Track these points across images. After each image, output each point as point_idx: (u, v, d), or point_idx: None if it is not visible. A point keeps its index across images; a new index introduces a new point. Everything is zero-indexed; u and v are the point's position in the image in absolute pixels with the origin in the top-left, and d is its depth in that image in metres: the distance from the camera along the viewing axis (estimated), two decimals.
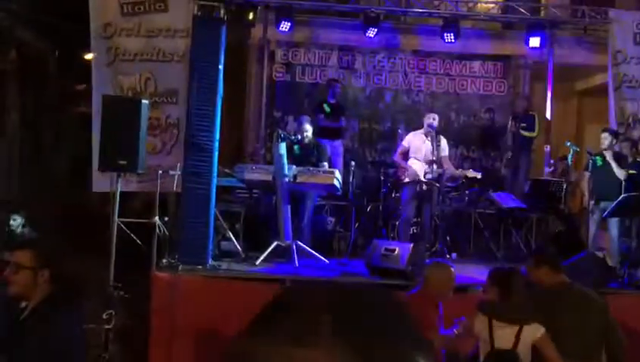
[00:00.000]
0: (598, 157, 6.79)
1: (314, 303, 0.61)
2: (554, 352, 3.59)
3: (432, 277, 3.99)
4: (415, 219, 6.98)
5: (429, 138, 6.71)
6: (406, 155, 6.90)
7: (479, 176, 6.88)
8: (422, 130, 6.90)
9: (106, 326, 5.14)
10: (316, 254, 6.32)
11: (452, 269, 4.09)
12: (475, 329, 3.72)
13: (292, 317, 0.60)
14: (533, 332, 3.58)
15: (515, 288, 3.69)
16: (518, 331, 3.59)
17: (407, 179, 6.81)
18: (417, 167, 6.73)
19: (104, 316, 5.13)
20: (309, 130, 6.76)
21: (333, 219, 7.67)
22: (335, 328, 0.58)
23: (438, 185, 6.69)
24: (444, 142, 6.85)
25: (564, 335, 3.62)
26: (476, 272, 6.38)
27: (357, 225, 7.52)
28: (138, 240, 5.94)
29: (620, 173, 6.59)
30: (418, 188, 6.70)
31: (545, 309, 3.69)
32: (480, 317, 3.68)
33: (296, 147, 6.69)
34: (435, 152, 6.63)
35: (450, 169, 6.89)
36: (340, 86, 8.58)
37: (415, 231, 7.02)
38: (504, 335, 3.62)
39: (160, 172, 6.00)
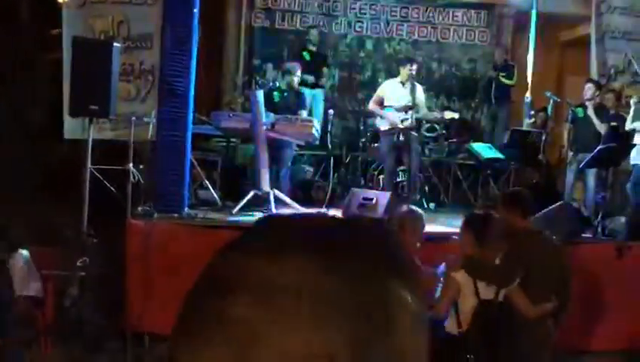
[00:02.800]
0: (579, 109, 6.77)
1: (288, 225, 0.61)
2: (524, 301, 3.65)
3: (407, 225, 3.96)
4: (398, 169, 6.96)
5: (406, 86, 6.64)
6: (381, 104, 6.82)
7: (456, 116, 6.91)
8: (398, 78, 6.82)
9: (81, 273, 5.09)
10: (294, 203, 6.29)
11: (423, 218, 4.07)
12: (456, 284, 3.71)
13: (256, 235, 0.60)
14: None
15: (490, 234, 3.70)
16: (498, 289, 3.66)
17: (384, 127, 6.75)
18: (390, 116, 6.66)
19: (78, 263, 5.07)
20: (298, 77, 6.64)
21: (311, 169, 7.63)
22: (295, 243, 0.57)
23: (415, 134, 6.66)
24: (420, 89, 6.79)
25: (530, 281, 3.68)
26: (454, 222, 6.42)
27: (335, 175, 7.48)
28: (112, 188, 5.85)
29: (601, 127, 6.59)
30: (395, 138, 6.65)
31: (510, 254, 3.74)
32: (463, 274, 3.68)
33: (275, 94, 6.57)
34: (411, 99, 6.58)
35: (427, 114, 6.88)
36: (318, 32, 8.38)
37: (396, 180, 7.01)
38: (487, 288, 3.67)
39: (134, 119, 5.86)
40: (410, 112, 6.57)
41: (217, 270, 0.58)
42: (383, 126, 6.77)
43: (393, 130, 6.64)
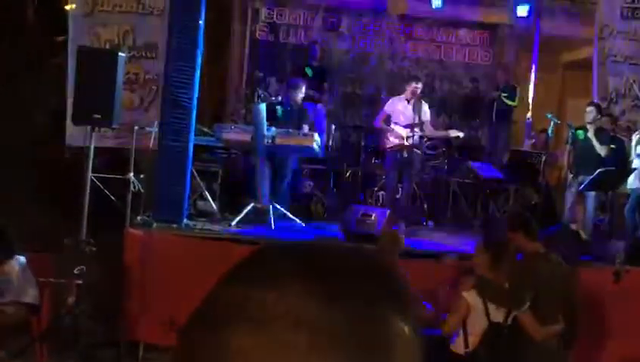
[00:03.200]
0: (579, 131, 6.79)
1: (288, 253, 0.60)
2: (533, 323, 3.64)
3: (383, 243, 4.04)
4: (398, 186, 6.99)
5: (411, 104, 6.67)
6: (388, 121, 6.85)
7: (461, 135, 6.95)
8: (404, 96, 6.86)
9: (77, 281, 5.09)
10: (293, 217, 6.30)
11: (401, 237, 4.11)
12: (466, 303, 3.73)
13: (255, 264, 0.59)
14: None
15: (506, 258, 3.72)
16: (509, 311, 3.66)
17: (390, 145, 6.77)
18: (400, 131, 6.70)
19: (75, 271, 5.07)
20: (303, 94, 6.68)
21: (311, 183, 7.64)
22: (296, 271, 0.56)
23: (419, 151, 6.69)
24: (425, 106, 6.83)
25: (538, 303, 3.67)
26: (452, 241, 6.43)
27: (335, 189, 7.49)
28: (112, 197, 5.87)
29: (601, 150, 6.60)
30: (399, 156, 6.68)
31: (527, 279, 3.73)
32: (473, 291, 3.70)
33: (278, 109, 6.60)
34: (417, 117, 6.61)
35: (432, 132, 6.91)
36: (319, 49, 8.42)
37: (396, 197, 7.03)
38: (497, 311, 3.68)
39: (136, 128, 5.88)
40: (415, 130, 6.59)
41: (217, 300, 0.58)
42: (389, 143, 6.79)
43: (399, 147, 6.67)
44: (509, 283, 3.72)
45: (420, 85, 6.82)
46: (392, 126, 6.78)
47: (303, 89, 6.66)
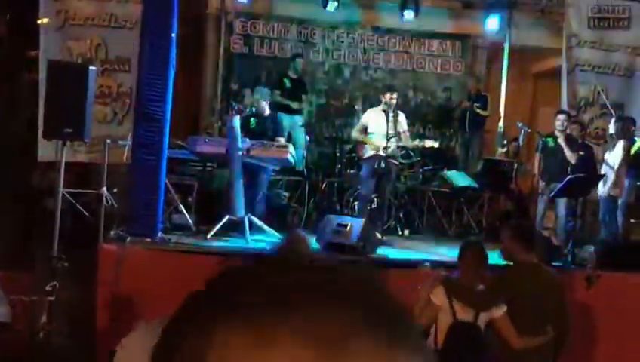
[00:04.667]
0: (549, 139, 6.91)
1: (270, 283, 0.50)
2: (510, 332, 3.67)
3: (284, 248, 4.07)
4: (373, 196, 7.02)
5: (388, 115, 6.71)
6: (365, 132, 6.89)
7: (437, 145, 7.01)
8: (380, 107, 6.90)
9: (49, 298, 5.01)
10: (269, 229, 6.29)
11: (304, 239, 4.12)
12: (435, 300, 3.78)
13: (245, 304, 0.49)
14: (492, 312, 3.68)
15: (475, 263, 3.78)
16: (477, 312, 3.70)
17: (367, 155, 6.80)
18: (377, 142, 6.73)
19: (47, 288, 5.00)
20: (264, 103, 6.68)
21: (287, 194, 7.65)
22: (296, 324, 0.47)
23: (396, 162, 6.73)
24: (402, 117, 6.87)
25: (524, 313, 3.69)
26: (426, 249, 6.49)
27: (311, 200, 7.51)
28: (85, 212, 5.81)
29: (571, 157, 6.72)
30: (376, 165, 6.71)
31: (512, 287, 3.76)
32: (441, 290, 3.75)
33: (252, 120, 6.61)
34: (393, 127, 6.66)
35: (408, 142, 6.95)
36: (302, 62, 8.48)
37: (372, 207, 7.06)
38: (464, 310, 3.72)
39: (108, 141, 5.84)
40: (392, 140, 6.63)
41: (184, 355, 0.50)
42: (367, 153, 6.82)
43: (376, 157, 6.70)
44: (488, 285, 3.75)
45: (395, 95, 6.87)
46: (368, 137, 6.82)
47: (266, 95, 6.68)
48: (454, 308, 3.69)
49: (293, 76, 8.26)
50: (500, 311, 3.68)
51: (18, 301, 5.21)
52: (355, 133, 7.10)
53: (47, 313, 5.04)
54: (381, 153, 6.67)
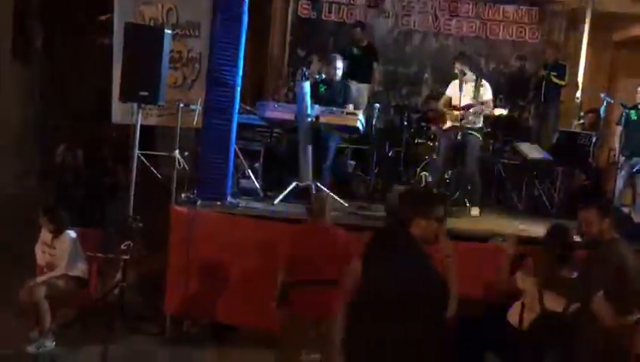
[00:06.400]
0: (632, 111, 6.55)
1: None
2: (607, 311, 3.48)
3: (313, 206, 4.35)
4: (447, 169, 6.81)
5: (461, 85, 6.45)
6: (449, 104, 6.64)
7: (505, 112, 6.72)
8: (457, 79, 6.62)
9: (124, 257, 5.17)
10: (335, 197, 6.25)
11: (327, 196, 4.52)
12: (522, 285, 3.68)
13: None
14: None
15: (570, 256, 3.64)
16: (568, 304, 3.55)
17: (445, 126, 6.59)
18: (454, 113, 6.49)
19: (122, 246, 5.15)
20: (339, 68, 6.55)
21: (354, 163, 7.58)
22: None
23: (477, 134, 6.44)
24: (486, 86, 6.52)
25: (617, 292, 3.51)
26: (496, 221, 6.31)
27: (377, 169, 7.41)
28: (158, 174, 5.93)
29: None
30: (454, 137, 6.49)
31: (605, 266, 3.58)
32: (529, 276, 3.64)
33: (321, 87, 6.53)
34: (472, 96, 6.37)
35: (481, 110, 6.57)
36: (361, 31, 8.27)
37: (445, 179, 6.89)
38: (554, 299, 3.59)
39: (181, 105, 5.90)
40: (472, 110, 6.36)
41: None
42: (445, 125, 6.60)
43: (452, 129, 6.48)
44: (581, 272, 3.56)
45: (459, 65, 6.52)
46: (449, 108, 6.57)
47: (339, 63, 6.54)
48: (544, 297, 3.57)
49: (362, 44, 8.11)
50: (595, 299, 3.49)
51: (95, 258, 5.41)
52: (439, 105, 6.86)
53: (122, 271, 5.21)
54: (457, 124, 6.43)
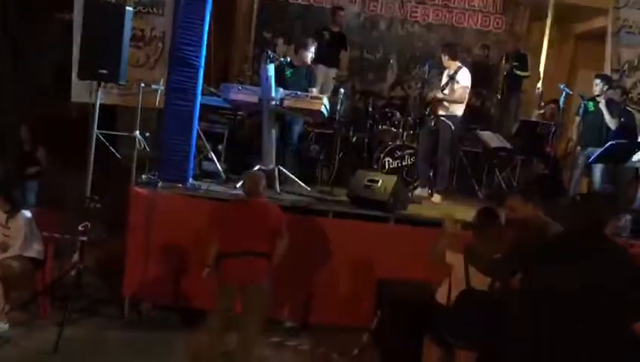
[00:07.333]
0: (590, 103, 6.70)
1: None
2: None
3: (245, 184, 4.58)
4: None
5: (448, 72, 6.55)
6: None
7: (440, 95, 6.82)
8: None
9: (82, 238, 5.08)
10: (298, 181, 6.26)
11: (260, 175, 4.65)
12: (451, 261, 3.80)
13: None
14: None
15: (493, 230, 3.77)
16: (492, 281, 3.72)
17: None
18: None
19: (80, 227, 5.06)
20: (312, 52, 6.51)
21: (317, 147, 7.57)
22: None
23: (449, 122, 6.51)
24: (463, 73, 6.59)
25: None
26: (455, 208, 6.39)
27: (341, 154, 7.43)
28: (117, 154, 5.83)
29: (612, 122, 6.51)
30: (430, 124, 6.60)
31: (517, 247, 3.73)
32: (458, 254, 3.76)
33: (287, 70, 6.48)
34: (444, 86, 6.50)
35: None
36: (344, 14, 8.27)
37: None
38: (479, 277, 3.71)
39: (142, 85, 5.79)
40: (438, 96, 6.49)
41: None
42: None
43: (428, 116, 6.62)
44: (503, 251, 3.72)
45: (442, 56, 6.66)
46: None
47: (312, 49, 6.51)
48: (469, 274, 3.72)
49: (335, 29, 8.10)
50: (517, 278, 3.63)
51: (51, 239, 5.30)
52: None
53: (80, 252, 5.12)
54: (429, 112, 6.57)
